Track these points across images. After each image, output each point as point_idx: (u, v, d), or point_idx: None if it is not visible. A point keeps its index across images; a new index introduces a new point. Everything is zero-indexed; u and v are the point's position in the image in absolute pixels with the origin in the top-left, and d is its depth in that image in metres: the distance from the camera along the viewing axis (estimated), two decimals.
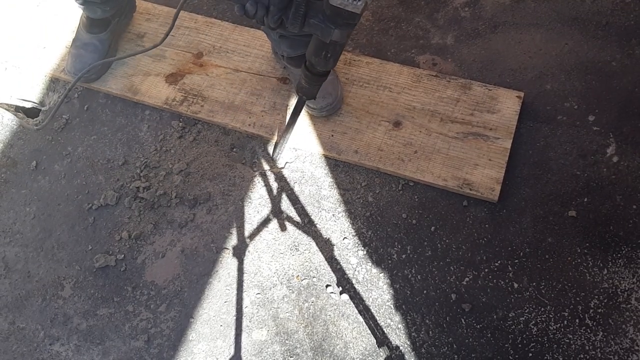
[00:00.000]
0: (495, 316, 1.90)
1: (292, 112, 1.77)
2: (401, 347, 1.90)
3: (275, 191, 2.17)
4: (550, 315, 1.87)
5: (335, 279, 2.01)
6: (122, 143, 2.33)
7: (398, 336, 1.91)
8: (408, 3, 2.46)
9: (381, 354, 1.90)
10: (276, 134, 2.23)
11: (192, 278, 2.08)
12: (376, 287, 1.98)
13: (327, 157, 2.19)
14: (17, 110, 2.50)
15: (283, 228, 2.11)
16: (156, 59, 2.42)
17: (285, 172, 2.19)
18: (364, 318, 1.95)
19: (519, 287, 1.92)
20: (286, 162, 2.20)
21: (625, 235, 1.95)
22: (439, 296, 1.95)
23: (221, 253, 2.10)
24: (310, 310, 1.98)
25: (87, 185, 2.28)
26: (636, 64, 2.20)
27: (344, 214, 2.10)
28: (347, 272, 2.01)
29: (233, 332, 1.99)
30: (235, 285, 2.04)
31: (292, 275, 2.04)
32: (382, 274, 2.00)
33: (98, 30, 2.36)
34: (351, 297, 1.98)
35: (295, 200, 2.14)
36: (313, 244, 2.07)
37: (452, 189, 2.07)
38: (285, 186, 2.17)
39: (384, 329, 1.93)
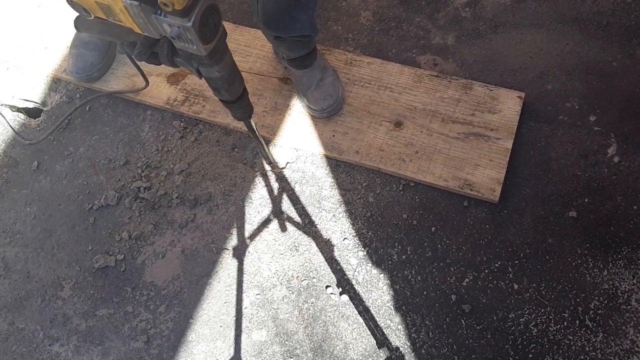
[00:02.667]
0: (495, 317, 1.89)
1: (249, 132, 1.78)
2: (401, 348, 1.89)
3: (276, 191, 2.17)
4: (551, 317, 1.87)
5: (335, 279, 2.01)
6: (124, 143, 2.33)
7: (398, 337, 1.91)
8: (409, 3, 2.46)
9: (381, 355, 1.90)
10: (276, 134, 2.24)
11: (192, 279, 2.08)
12: (376, 288, 1.98)
13: (328, 158, 2.19)
14: (19, 110, 2.50)
15: (283, 228, 2.11)
16: None
17: (286, 173, 2.19)
18: (364, 319, 1.95)
19: (519, 288, 1.92)
20: (287, 163, 2.20)
21: (625, 236, 1.95)
22: (439, 297, 1.95)
23: (221, 253, 2.10)
24: (310, 311, 1.98)
25: (88, 185, 2.28)
26: (637, 64, 2.19)
27: (344, 214, 2.10)
28: (347, 272, 2.01)
29: (233, 333, 1.99)
30: (235, 286, 2.04)
31: (292, 276, 2.04)
32: (382, 274, 2.00)
33: None
34: (351, 298, 1.98)
35: (295, 201, 2.14)
36: (313, 244, 2.07)
37: (453, 190, 2.06)
38: (286, 186, 2.17)
39: (384, 330, 1.92)
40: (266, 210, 2.15)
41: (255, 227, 2.12)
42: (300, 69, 2.19)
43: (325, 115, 2.20)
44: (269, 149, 2.15)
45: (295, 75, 2.23)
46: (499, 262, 1.96)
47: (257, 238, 2.11)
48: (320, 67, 2.20)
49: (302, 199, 2.14)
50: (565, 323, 1.86)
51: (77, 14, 1.32)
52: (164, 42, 1.28)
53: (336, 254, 2.05)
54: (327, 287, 2.00)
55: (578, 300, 1.88)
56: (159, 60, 1.32)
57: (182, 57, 1.31)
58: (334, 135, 2.19)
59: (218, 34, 1.27)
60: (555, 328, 1.86)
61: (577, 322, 1.86)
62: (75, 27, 1.34)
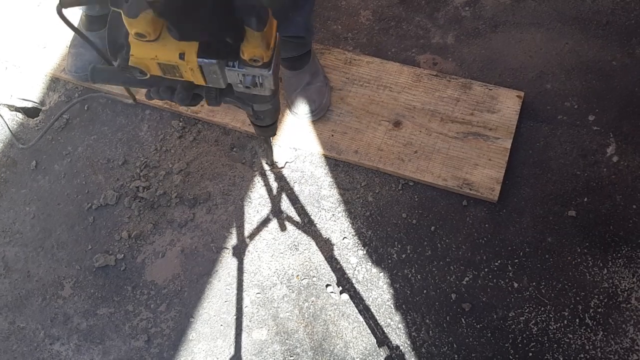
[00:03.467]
0: (495, 316, 1.90)
1: (264, 141, 1.76)
2: (401, 347, 1.90)
3: (275, 191, 2.17)
4: (551, 315, 1.87)
5: (335, 278, 2.01)
6: (122, 143, 2.33)
7: (398, 336, 1.91)
8: (408, 2, 2.46)
9: (381, 353, 1.90)
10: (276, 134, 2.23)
11: (192, 278, 2.08)
12: (376, 287, 1.98)
13: (327, 157, 2.19)
14: (17, 110, 2.50)
15: (283, 228, 2.11)
16: None
17: (285, 172, 2.19)
18: (364, 318, 1.95)
19: (519, 287, 1.92)
20: (286, 162, 2.20)
21: (625, 235, 1.95)
22: (439, 296, 1.95)
23: (221, 253, 2.10)
24: (310, 310, 1.98)
25: (87, 185, 2.28)
26: (636, 64, 2.20)
27: (343, 213, 2.10)
28: (347, 271, 2.01)
29: (233, 332, 1.99)
30: (235, 285, 2.04)
31: (292, 275, 2.04)
32: (382, 273, 2.00)
33: (97, 27, 2.36)
34: (351, 297, 1.98)
35: (295, 200, 2.14)
36: (313, 243, 2.07)
37: (452, 189, 2.07)
38: (285, 186, 2.17)
39: (384, 329, 1.93)
40: (265, 209, 2.15)
41: (255, 226, 2.13)
42: (290, 70, 2.19)
43: (305, 119, 2.20)
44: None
45: (284, 75, 2.23)
46: (499, 261, 1.96)
47: (257, 237, 2.11)
48: (310, 71, 2.20)
49: (302, 198, 2.14)
50: (565, 321, 1.86)
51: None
52: (211, 87, 1.23)
53: (336, 253, 2.05)
54: (327, 285, 2.01)
55: (578, 298, 1.89)
56: (198, 101, 1.27)
57: (235, 98, 1.28)
58: (332, 135, 2.19)
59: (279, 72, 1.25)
60: (555, 326, 1.86)
61: (577, 320, 1.86)
62: (92, 78, 1.24)
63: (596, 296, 1.88)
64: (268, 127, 1.55)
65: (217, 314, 2.02)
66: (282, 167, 2.20)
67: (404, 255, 2.02)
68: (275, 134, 1.66)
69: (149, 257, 2.13)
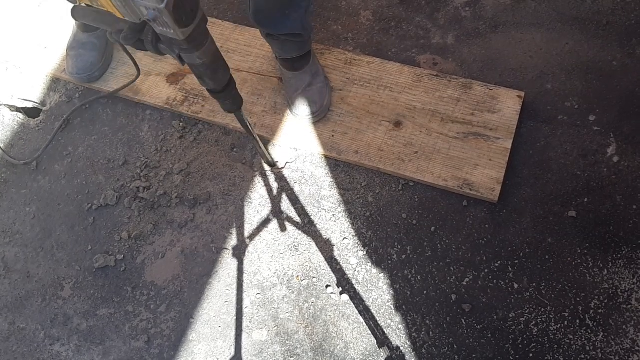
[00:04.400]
0: (495, 317, 1.90)
1: (254, 140, 1.77)
2: (402, 348, 1.89)
3: (275, 191, 2.17)
4: (551, 316, 1.87)
5: (335, 279, 2.01)
6: (123, 143, 2.33)
7: (398, 337, 1.91)
8: (409, 3, 2.46)
9: (382, 354, 1.90)
10: (276, 134, 2.23)
11: (192, 278, 2.08)
12: (376, 288, 1.98)
13: (327, 157, 2.19)
14: (18, 110, 2.50)
15: (283, 228, 2.11)
16: (157, 59, 2.42)
17: (286, 172, 2.19)
18: (364, 318, 1.95)
19: (519, 288, 1.92)
20: (286, 162, 2.20)
21: (625, 236, 1.95)
22: (439, 297, 1.95)
23: (221, 253, 2.10)
24: (310, 311, 1.98)
25: (87, 185, 2.28)
26: (637, 64, 2.19)
27: (344, 214, 2.10)
28: (347, 272, 2.01)
29: (233, 333, 1.99)
30: (235, 286, 2.04)
31: (292, 276, 2.04)
32: (382, 274, 2.00)
33: (92, 28, 2.37)
34: (351, 298, 1.98)
35: (295, 201, 2.14)
36: (313, 244, 2.07)
37: (453, 189, 2.06)
38: (285, 186, 2.17)
39: (385, 330, 1.92)
40: (266, 210, 2.15)
41: (255, 226, 2.12)
42: (290, 71, 2.19)
43: (306, 121, 2.20)
44: (266, 147, 2.14)
45: (285, 76, 2.23)
46: (499, 262, 1.96)
47: (257, 238, 2.11)
48: (311, 72, 2.20)
49: (302, 198, 2.14)
50: (566, 322, 1.86)
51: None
52: (149, 29, 1.30)
53: (336, 253, 2.05)
54: (327, 286, 2.00)
55: (578, 299, 1.88)
56: (145, 46, 1.34)
57: (165, 43, 1.33)
58: (333, 135, 2.19)
59: (196, 18, 1.27)
60: (555, 327, 1.86)
61: (578, 321, 1.86)
62: (73, 16, 1.37)
63: (596, 297, 1.88)
64: (219, 94, 1.57)
65: (217, 314, 2.02)
66: (283, 168, 2.20)
67: (404, 256, 2.02)
68: (238, 110, 1.67)
69: (149, 258, 2.13)
